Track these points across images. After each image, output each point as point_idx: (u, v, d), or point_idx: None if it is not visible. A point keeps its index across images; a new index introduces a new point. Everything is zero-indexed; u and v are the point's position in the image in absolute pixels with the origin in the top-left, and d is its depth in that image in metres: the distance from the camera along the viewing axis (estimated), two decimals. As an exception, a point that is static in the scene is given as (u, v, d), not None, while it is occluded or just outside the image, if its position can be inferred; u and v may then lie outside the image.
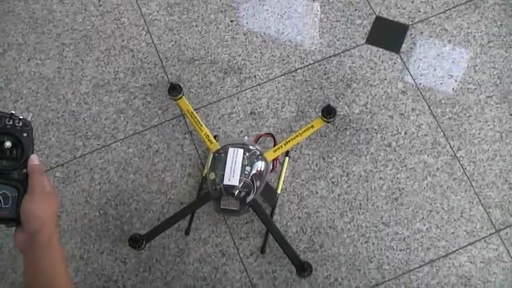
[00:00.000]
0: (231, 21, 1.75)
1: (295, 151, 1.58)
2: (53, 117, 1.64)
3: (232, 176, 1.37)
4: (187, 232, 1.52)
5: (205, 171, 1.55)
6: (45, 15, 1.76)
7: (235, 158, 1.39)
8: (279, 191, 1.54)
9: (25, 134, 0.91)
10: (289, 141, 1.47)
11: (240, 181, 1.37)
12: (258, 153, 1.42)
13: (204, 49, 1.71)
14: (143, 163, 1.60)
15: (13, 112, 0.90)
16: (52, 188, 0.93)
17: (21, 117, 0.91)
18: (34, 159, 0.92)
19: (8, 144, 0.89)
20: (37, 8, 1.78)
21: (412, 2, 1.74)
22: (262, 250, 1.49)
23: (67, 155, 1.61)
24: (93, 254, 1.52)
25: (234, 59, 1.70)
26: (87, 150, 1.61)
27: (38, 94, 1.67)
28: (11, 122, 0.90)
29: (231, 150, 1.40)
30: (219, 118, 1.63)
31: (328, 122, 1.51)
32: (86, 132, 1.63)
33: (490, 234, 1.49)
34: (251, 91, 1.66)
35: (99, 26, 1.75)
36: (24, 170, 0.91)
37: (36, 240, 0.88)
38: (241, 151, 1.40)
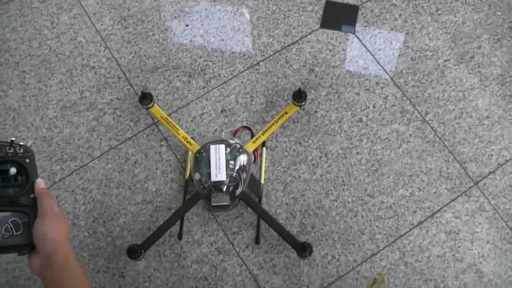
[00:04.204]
0: (187, 25, 1.77)
1: (271, 140, 1.61)
2: (25, 146, 1.62)
3: (219, 172, 1.40)
4: (180, 236, 1.52)
5: (187, 173, 1.57)
6: (0, 45, 1.74)
7: (218, 154, 1.41)
8: (262, 181, 1.57)
9: (27, 160, 0.91)
10: (266, 130, 1.51)
11: (227, 175, 1.40)
12: (238, 146, 1.44)
13: (165, 56, 1.73)
14: (124, 176, 1.60)
15: (13, 139, 0.90)
16: (59, 209, 0.93)
17: (21, 143, 0.91)
18: (40, 183, 0.92)
19: (13, 170, 0.89)
20: (-10, 40, 1.76)
21: (358, -18, 1.80)
22: (257, 241, 1.51)
23: (46, 181, 1.58)
24: (89, 274, 1.51)
25: (196, 62, 1.72)
26: (65, 173, 1.60)
27: (6, 126, 1.64)
28: (12, 150, 0.90)
29: (212, 147, 1.42)
30: (191, 121, 1.65)
31: (300, 106, 1.55)
32: (62, 156, 1.62)
33: (470, 188, 1.55)
34: (218, 89, 1.68)
35: (56, 48, 1.74)
36: (32, 195, 0.91)
37: (52, 261, 0.88)
38: (222, 146, 1.42)
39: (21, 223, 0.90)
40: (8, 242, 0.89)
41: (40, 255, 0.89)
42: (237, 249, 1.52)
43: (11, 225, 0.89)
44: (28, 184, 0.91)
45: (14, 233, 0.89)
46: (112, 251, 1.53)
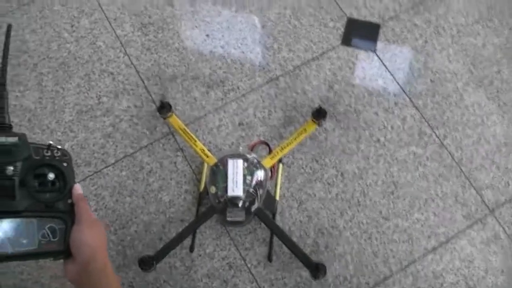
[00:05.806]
0: (207, 35, 1.76)
1: (287, 157, 1.60)
2: (39, 148, 1.61)
3: (236, 187, 1.39)
4: (191, 249, 1.51)
5: (202, 185, 1.56)
6: (19, 46, 1.73)
7: (235, 168, 1.40)
8: (277, 197, 1.56)
9: (65, 164, 0.89)
10: (284, 147, 1.49)
11: (243, 191, 1.39)
12: (256, 161, 1.43)
13: (184, 66, 1.71)
14: (138, 184, 1.58)
15: (51, 142, 0.88)
16: (96, 216, 0.92)
17: (59, 146, 0.89)
18: (78, 188, 0.90)
19: (51, 176, 0.87)
20: (8, 40, 1.74)
21: (381, 1, 1.79)
22: (269, 258, 1.50)
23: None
24: (98, 282, 1.49)
25: (215, 73, 1.71)
26: (78, 178, 1.59)
27: (22, 127, 1.63)
28: (49, 153, 0.88)
29: (230, 161, 1.41)
30: (208, 133, 1.64)
31: (319, 125, 1.54)
32: (76, 160, 1.60)
33: (485, 215, 1.54)
34: (236, 102, 1.67)
35: (75, 52, 1.73)
36: (69, 201, 0.89)
37: (90, 268, 0.86)
38: (240, 161, 1.41)
39: (58, 229, 0.88)
40: (45, 248, 0.87)
41: (77, 262, 0.87)
42: (249, 265, 1.50)
43: (48, 231, 0.87)
44: (65, 189, 0.89)
45: (51, 239, 0.87)
46: (122, 260, 1.51)
